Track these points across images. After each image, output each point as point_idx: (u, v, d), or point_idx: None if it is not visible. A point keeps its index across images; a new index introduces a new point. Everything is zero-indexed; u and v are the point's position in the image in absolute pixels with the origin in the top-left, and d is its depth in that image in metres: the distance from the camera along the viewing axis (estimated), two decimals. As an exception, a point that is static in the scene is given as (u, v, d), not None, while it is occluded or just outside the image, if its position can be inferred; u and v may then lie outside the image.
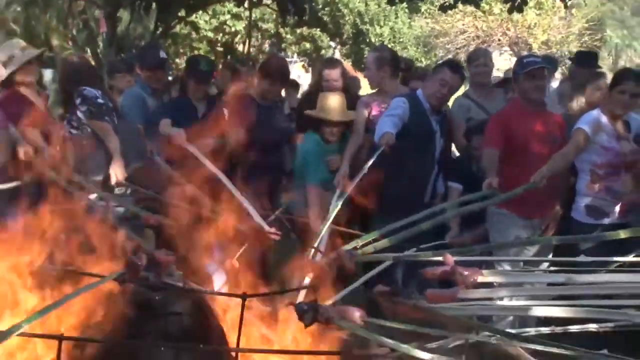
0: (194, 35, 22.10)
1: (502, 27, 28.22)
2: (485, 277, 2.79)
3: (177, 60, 20.81)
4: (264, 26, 24.10)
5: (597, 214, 5.06)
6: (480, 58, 6.54)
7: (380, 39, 25.03)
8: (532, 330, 3.43)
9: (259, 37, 24.68)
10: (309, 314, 2.54)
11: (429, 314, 2.60)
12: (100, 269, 2.90)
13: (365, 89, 7.19)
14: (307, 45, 26.18)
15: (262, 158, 5.48)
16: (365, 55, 12.44)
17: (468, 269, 2.78)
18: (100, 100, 5.37)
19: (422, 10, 26.63)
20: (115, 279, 2.81)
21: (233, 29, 23.44)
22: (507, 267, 4.77)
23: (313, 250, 3.78)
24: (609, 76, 5.86)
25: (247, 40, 16.44)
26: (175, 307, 2.88)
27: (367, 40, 25.45)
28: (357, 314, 2.56)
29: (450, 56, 24.30)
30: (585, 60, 7.19)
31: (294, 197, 5.73)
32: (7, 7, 16.27)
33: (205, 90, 6.00)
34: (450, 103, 6.34)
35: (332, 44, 27.16)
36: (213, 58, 18.50)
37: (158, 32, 13.87)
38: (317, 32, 24.88)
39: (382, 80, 5.99)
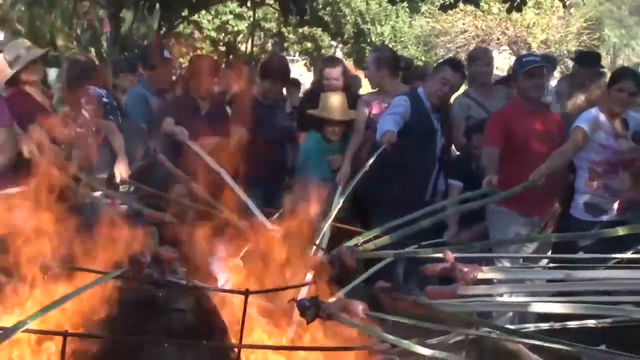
0: (197, 35, 22.13)
1: (501, 26, 28.21)
2: (485, 273, 2.81)
3: (181, 59, 20.83)
4: (266, 25, 24.11)
5: (595, 211, 5.08)
6: (481, 57, 6.55)
7: (381, 38, 25.01)
8: (531, 326, 3.44)
9: (262, 36, 24.68)
10: (310, 310, 2.57)
11: (429, 310, 2.63)
12: (104, 266, 2.93)
13: (366, 87, 7.22)
14: (309, 44, 26.19)
15: (264, 156, 5.51)
16: (366, 55, 12.46)
17: (468, 265, 2.81)
18: (105, 99, 5.41)
19: (423, 9, 26.59)
20: (119, 276, 2.84)
21: (235, 29, 23.46)
22: (507, 264, 4.78)
23: (315, 247, 3.81)
24: (607, 75, 5.89)
25: (250, 40, 16.45)
26: (179, 303, 2.91)
27: (368, 39, 25.43)
28: (359, 307, 2.58)
29: (450, 55, 24.27)
30: (588, 60, 7.20)
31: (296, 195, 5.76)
32: (12, 8, 16.30)
33: (208, 90, 6.03)
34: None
35: (334, 43, 27.16)
36: (216, 57, 18.53)
37: (162, 31, 13.89)
38: (318, 31, 24.88)
39: (382, 80, 6.02)
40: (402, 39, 26.57)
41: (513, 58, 16.52)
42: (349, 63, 13.67)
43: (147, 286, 2.92)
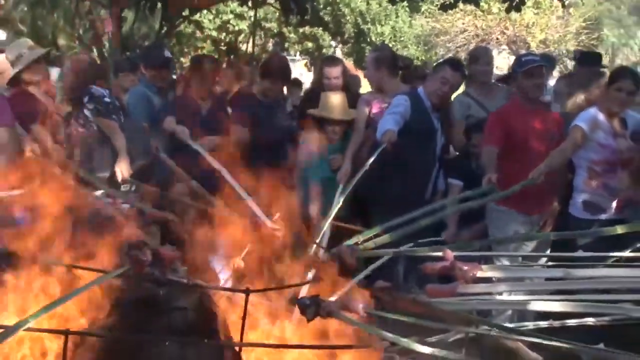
0: (198, 34, 22.13)
1: (501, 26, 28.21)
2: (484, 272, 2.83)
3: (182, 59, 20.85)
4: (267, 25, 24.12)
5: (594, 209, 5.11)
6: (482, 57, 6.55)
7: (381, 37, 25.01)
8: (530, 324, 3.46)
9: (262, 36, 24.68)
10: (311, 308, 2.57)
11: (428, 309, 2.64)
12: (105, 264, 2.94)
13: (366, 87, 7.23)
14: (310, 44, 26.20)
15: (264, 155, 5.52)
16: (366, 54, 12.48)
17: (467, 264, 2.82)
18: (107, 99, 5.43)
19: (423, 9, 26.60)
20: (121, 275, 2.85)
21: (236, 28, 23.47)
22: (506, 262, 4.79)
23: (315, 245, 3.82)
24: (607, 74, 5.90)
25: (252, 40, 16.43)
26: (180, 302, 2.92)
27: (368, 39, 25.43)
28: (360, 305, 2.59)
29: (450, 54, 24.29)
30: (590, 60, 7.20)
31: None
32: (15, 8, 16.33)
33: (209, 89, 6.05)
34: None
35: (334, 43, 27.17)
36: (217, 57, 18.54)
37: (163, 31, 13.89)
38: (319, 31, 24.88)
39: (381, 80, 6.04)
40: (402, 38, 26.57)
41: (512, 57, 16.52)
42: (349, 63, 13.69)
43: (148, 284, 2.93)
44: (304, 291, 3.28)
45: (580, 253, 4.00)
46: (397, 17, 26.37)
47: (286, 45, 26.28)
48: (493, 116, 5.50)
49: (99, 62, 11.90)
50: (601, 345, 3.26)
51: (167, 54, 6.62)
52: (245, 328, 2.84)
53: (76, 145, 5.08)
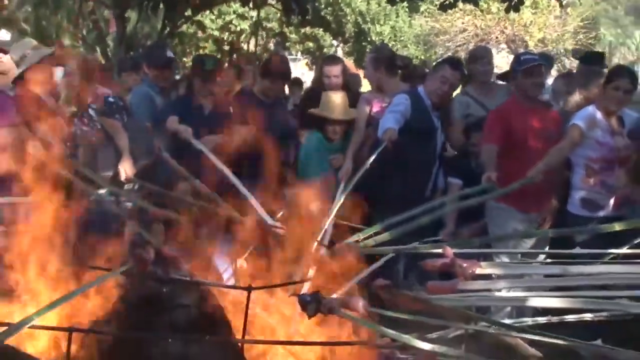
0: (200, 34, 22.15)
1: (500, 25, 28.24)
2: (483, 269, 2.87)
3: (185, 59, 20.88)
4: (269, 25, 24.14)
5: (592, 207, 5.12)
6: (482, 56, 6.55)
7: (381, 37, 25.02)
8: (529, 321, 3.49)
9: (264, 36, 24.69)
10: (312, 305, 2.61)
11: (428, 305, 2.67)
12: (109, 262, 2.97)
13: (366, 86, 7.26)
14: (311, 44, 26.23)
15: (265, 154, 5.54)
16: (367, 53, 12.50)
17: (467, 261, 2.86)
18: (111, 99, 5.46)
19: (422, 9, 26.60)
20: (124, 273, 2.88)
21: (238, 28, 23.50)
22: (505, 260, 4.83)
23: (317, 243, 3.84)
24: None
25: (254, 39, 16.47)
26: (183, 299, 2.95)
27: (369, 38, 25.46)
28: (360, 303, 2.63)
29: (450, 54, 24.30)
30: (592, 60, 7.21)
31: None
32: (19, 8, 16.36)
33: (211, 89, 6.07)
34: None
35: (335, 42, 27.17)
36: (219, 57, 18.59)
37: (165, 31, 13.92)
38: (320, 31, 24.89)
39: (380, 80, 6.07)
40: (402, 38, 26.60)
41: (511, 56, 16.53)
42: (350, 62, 13.70)
43: (152, 283, 2.96)
44: (305, 288, 3.31)
45: (578, 250, 4.05)
46: (397, 16, 26.39)
47: (287, 44, 26.29)
48: (493, 114, 5.51)
49: (102, 62, 11.97)
50: (599, 341, 3.30)
51: (170, 54, 6.64)
52: (247, 325, 2.87)
53: (80, 144, 5.10)
